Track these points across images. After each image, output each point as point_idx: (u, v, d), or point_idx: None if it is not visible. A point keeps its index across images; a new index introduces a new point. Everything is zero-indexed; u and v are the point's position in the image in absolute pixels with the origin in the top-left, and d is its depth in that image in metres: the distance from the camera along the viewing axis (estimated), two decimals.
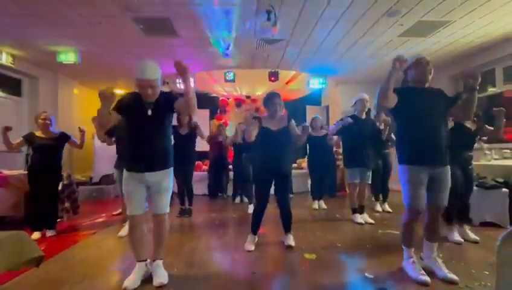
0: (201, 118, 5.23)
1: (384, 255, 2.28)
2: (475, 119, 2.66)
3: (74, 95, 6.10)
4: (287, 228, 2.55)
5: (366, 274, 1.93)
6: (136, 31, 3.67)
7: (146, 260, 1.91)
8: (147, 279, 1.86)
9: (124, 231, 2.84)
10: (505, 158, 3.71)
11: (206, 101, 6.73)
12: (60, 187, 3.58)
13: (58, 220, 3.32)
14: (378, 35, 3.93)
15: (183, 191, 3.86)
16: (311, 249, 2.45)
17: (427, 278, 1.77)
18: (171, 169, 1.93)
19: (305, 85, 5.84)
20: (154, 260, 1.90)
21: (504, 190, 3.04)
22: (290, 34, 3.90)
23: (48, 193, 3.03)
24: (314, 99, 7.17)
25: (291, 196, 5.02)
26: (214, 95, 6.94)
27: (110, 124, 1.91)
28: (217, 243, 2.77)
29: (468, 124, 2.65)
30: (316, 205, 4.20)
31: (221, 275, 2.01)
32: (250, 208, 3.92)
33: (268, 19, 3.19)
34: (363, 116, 3.34)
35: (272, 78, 5.33)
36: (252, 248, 2.45)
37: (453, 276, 1.79)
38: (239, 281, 1.91)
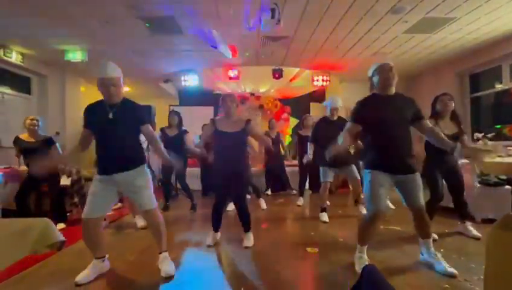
0: (206, 115, 5.28)
1: (387, 250, 2.32)
2: (455, 122, 2.58)
3: (81, 93, 6.22)
4: (246, 227, 2.55)
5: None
6: (142, 29, 3.73)
7: (104, 257, 1.95)
8: (155, 271, 1.94)
9: (141, 221, 3.00)
10: (509, 155, 3.69)
11: (210, 98, 6.79)
12: (69, 183, 3.69)
13: (68, 214, 3.44)
14: (383, 32, 3.93)
15: (168, 189, 3.99)
16: (313, 244, 2.50)
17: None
18: (143, 167, 1.94)
19: (309, 82, 5.85)
20: (160, 253, 1.97)
21: (507, 187, 3.04)
22: (294, 31, 3.92)
23: (50, 190, 3.18)
24: (318, 96, 7.16)
25: (294, 191, 5.10)
26: (218, 92, 6.99)
27: (90, 143, 1.97)
28: (222, 236, 2.84)
29: (446, 129, 2.49)
30: (300, 201, 4.25)
31: (225, 268, 2.08)
32: (262, 203, 4.00)
33: (273, 17, 3.22)
34: (335, 118, 3.31)
35: (276, 76, 5.36)
36: (212, 243, 2.49)
37: (452, 270, 1.83)
38: (242, 273, 1.98)
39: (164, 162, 2.10)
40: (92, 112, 1.90)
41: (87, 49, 4.41)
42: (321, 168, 3.33)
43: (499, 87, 4.65)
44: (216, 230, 2.57)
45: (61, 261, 2.14)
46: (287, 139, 6.25)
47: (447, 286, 1.72)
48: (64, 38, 4.02)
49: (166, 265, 1.92)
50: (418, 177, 1.90)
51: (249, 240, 2.52)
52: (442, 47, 4.51)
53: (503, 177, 3.13)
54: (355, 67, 5.44)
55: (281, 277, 1.94)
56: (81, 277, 1.80)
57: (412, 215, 1.98)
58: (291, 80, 6.10)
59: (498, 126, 4.56)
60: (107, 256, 1.98)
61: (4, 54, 4.20)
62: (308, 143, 3.61)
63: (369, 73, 1.99)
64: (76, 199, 3.91)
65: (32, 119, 3.12)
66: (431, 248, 1.98)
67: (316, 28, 3.81)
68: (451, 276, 1.80)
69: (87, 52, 4.47)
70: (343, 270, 2.00)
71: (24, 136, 3.14)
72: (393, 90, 1.92)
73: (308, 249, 2.38)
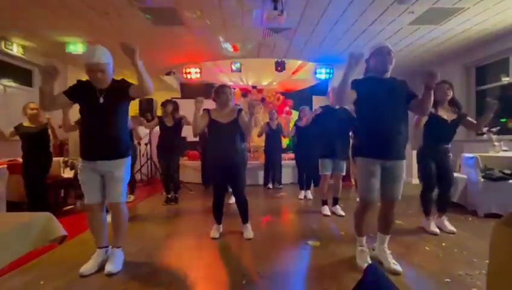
0: (207, 107, 5.27)
1: (387, 244, 2.31)
2: (454, 109, 2.56)
3: None
4: (244, 218, 2.56)
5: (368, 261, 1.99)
6: (143, 21, 3.68)
7: (107, 247, 1.96)
8: (158, 262, 1.96)
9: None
10: None
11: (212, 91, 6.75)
12: (72, 175, 3.73)
13: (71, 206, 3.47)
14: (388, 23, 3.84)
15: (167, 180, 3.93)
16: (314, 237, 2.52)
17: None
18: (126, 159, 1.92)
19: (312, 75, 5.78)
20: (112, 247, 1.96)
21: (511, 181, 3.02)
22: (297, 23, 3.84)
23: (38, 179, 3.18)
24: (320, 89, 7.10)
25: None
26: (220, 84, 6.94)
27: (56, 106, 1.85)
28: (224, 229, 2.87)
29: (445, 115, 2.53)
30: (302, 195, 4.24)
31: (229, 260, 2.10)
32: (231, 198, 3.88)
33: (275, 8, 3.15)
34: (337, 106, 3.20)
35: (279, 68, 5.30)
36: (217, 235, 2.52)
37: (396, 267, 1.83)
38: (244, 266, 2.00)
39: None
40: (83, 89, 1.83)
41: (88, 41, 4.38)
42: (320, 161, 3.26)
43: (505, 80, 4.56)
44: (219, 222, 2.59)
45: (65, 253, 2.17)
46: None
47: (448, 280, 1.73)
48: (64, 30, 3.99)
49: (112, 261, 1.88)
50: (403, 166, 1.87)
51: (248, 231, 2.54)
52: (448, 39, 4.41)
53: (507, 171, 3.11)
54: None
55: (282, 270, 1.95)
56: (86, 268, 1.83)
57: (380, 207, 1.94)
58: (293, 73, 6.04)
59: (503, 120, 4.49)
60: (110, 247, 2.01)
61: (5, 46, 4.18)
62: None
63: (366, 55, 1.91)
64: (80, 191, 3.96)
65: (32, 108, 3.15)
66: (384, 244, 1.96)
67: (320, 19, 3.73)
68: (396, 273, 1.79)
69: (88, 45, 4.44)
70: (344, 263, 2.01)
71: (26, 123, 3.19)
72: (388, 75, 1.87)
73: (310, 243, 2.39)
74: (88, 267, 1.84)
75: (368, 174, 1.83)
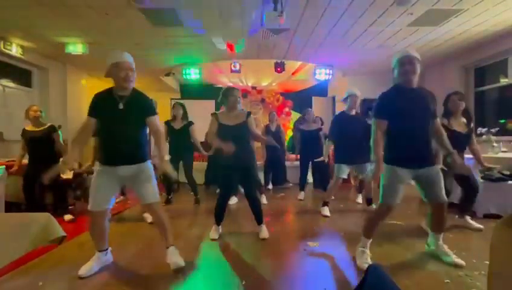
0: (207, 109, 5.26)
1: (388, 245, 2.32)
2: (465, 121, 2.61)
3: (82, 86, 6.20)
4: (259, 219, 2.56)
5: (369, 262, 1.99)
6: (142, 21, 3.68)
7: (106, 250, 1.95)
8: (158, 263, 1.96)
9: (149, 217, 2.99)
10: None
11: (212, 92, 6.75)
12: (70, 176, 3.71)
13: (71, 207, 3.46)
14: (387, 24, 3.85)
15: (170, 182, 3.91)
16: (313, 237, 2.51)
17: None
18: (147, 162, 1.93)
19: (312, 76, 5.79)
20: (167, 247, 1.96)
21: (510, 182, 3.02)
22: (297, 24, 3.85)
23: (49, 185, 3.13)
24: (320, 90, 7.10)
25: (290, 184, 5.11)
26: (219, 86, 6.94)
27: (90, 134, 1.89)
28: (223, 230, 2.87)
29: (457, 127, 2.56)
30: (301, 195, 4.23)
31: (228, 261, 2.09)
32: (263, 198, 3.97)
33: (275, 9, 3.15)
34: (353, 112, 3.27)
35: (278, 69, 5.30)
36: (216, 236, 2.52)
37: (459, 260, 1.89)
38: (245, 267, 1.99)
39: (160, 158, 1.97)
40: (101, 100, 1.85)
41: (88, 42, 4.37)
42: (336, 165, 3.29)
43: (504, 81, 4.58)
44: (218, 223, 2.59)
45: (64, 254, 2.16)
46: (288, 135, 6.21)
47: (447, 280, 1.73)
48: (64, 31, 3.98)
49: (175, 258, 1.91)
50: (438, 169, 1.90)
51: (264, 231, 2.55)
52: (447, 40, 4.42)
53: (506, 172, 3.11)
54: (359, 60, 5.36)
55: (282, 271, 1.95)
56: (84, 270, 1.82)
57: (431, 210, 1.99)
58: (293, 74, 6.04)
59: (502, 121, 4.51)
60: (109, 249, 2.00)
61: (4, 47, 4.17)
62: (326, 141, 3.57)
63: (392, 63, 1.95)
64: (78, 192, 3.94)
65: (35, 110, 3.16)
66: (440, 241, 2.01)
67: (320, 20, 3.74)
68: (459, 266, 1.86)
69: (88, 45, 4.43)
70: (344, 264, 2.00)
71: (29, 127, 3.19)
72: (414, 84, 1.87)
73: (309, 243, 2.39)
74: (87, 268, 1.83)
75: (396, 180, 1.86)
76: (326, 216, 3.24)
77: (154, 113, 1.90)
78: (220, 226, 2.61)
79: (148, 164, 1.95)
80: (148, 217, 3.05)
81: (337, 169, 3.27)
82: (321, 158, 3.68)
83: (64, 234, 1.24)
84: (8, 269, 1.82)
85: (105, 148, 1.87)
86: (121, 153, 1.83)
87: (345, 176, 3.33)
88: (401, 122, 1.83)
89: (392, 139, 1.90)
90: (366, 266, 1.86)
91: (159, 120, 1.97)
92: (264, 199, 4.00)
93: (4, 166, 3.18)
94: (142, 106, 1.87)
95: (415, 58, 1.85)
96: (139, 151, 1.90)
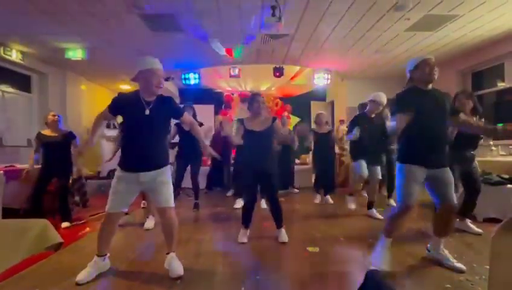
0: (206, 113, 5.28)
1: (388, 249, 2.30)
2: (478, 118, 2.63)
3: (82, 91, 6.20)
4: (279, 223, 2.59)
5: (368, 266, 1.97)
6: (142, 27, 3.70)
7: (105, 255, 1.93)
8: (156, 270, 1.93)
9: (149, 224, 3.00)
10: (511, 154, 3.67)
11: (211, 96, 6.77)
12: (69, 181, 3.69)
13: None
14: (385, 29, 3.90)
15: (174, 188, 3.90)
16: (314, 243, 2.50)
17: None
18: (167, 167, 1.94)
19: (310, 80, 5.82)
20: (167, 253, 1.95)
21: (509, 186, 3.02)
22: (295, 29, 3.89)
23: (59, 187, 3.20)
24: (319, 94, 7.14)
25: (296, 191, 5.11)
26: (218, 90, 6.97)
27: (102, 127, 1.99)
28: (223, 235, 2.84)
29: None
30: (318, 199, 4.24)
31: (228, 265, 2.07)
32: (238, 203, 3.98)
33: (273, 15, 3.18)
34: (372, 115, 3.34)
35: (277, 74, 5.32)
36: (245, 240, 2.53)
37: (460, 265, 1.88)
38: (245, 271, 1.97)
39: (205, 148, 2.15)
40: (126, 102, 1.84)
41: (87, 47, 4.40)
42: (356, 163, 3.39)
43: (501, 85, 4.62)
44: (247, 226, 2.60)
45: (61, 260, 2.13)
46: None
47: (448, 285, 1.71)
48: (64, 36, 4.00)
49: (175, 265, 1.89)
50: (450, 172, 1.91)
51: (283, 235, 2.56)
52: (444, 45, 4.47)
53: (505, 176, 3.12)
54: (357, 65, 5.40)
55: (281, 276, 1.94)
56: (82, 276, 1.80)
57: (438, 213, 1.99)
58: (291, 78, 6.07)
59: (500, 124, 4.52)
60: (108, 255, 1.98)
61: (4, 52, 4.19)
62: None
63: (410, 66, 1.97)
64: (77, 198, 3.92)
65: (53, 115, 3.23)
66: (441, 245, 2.01)
67: (318, 25, 3.78)
68: (460, 271, 1.85)
69: (87, 51, 4.45)
70: (344, 268, 1.99)
71: (46, 131, 3.22)
72: (431, 86, 1.93)
73: (309, 248, 2.37)
74: (84, 275, 1.81)
75: (413, 179, 1.87)
76: (376, 218, 3.26)
77: (182, 112, 1.96)
78: (248, 230, 2.61)
79: (168, 169, 1.94)
80: (148, 223, 3.02)
81: (359, 166, 3.33)
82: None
83: (61, 240, 1.22)
84: (5, 276, 1.79)
85: (128, 154, 1.87)
86: (145, 159, 1.83)
87: (367, 173, 3.33)
88: (421, 121, 1.85)
89: (411, 138, 1.91)
90: (384, 267, 1.86)
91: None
92: (263, 204, 3.98)
93: (2, 171, 3.17)
94: (169, 111, 1.90)
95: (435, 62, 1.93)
96: (162, 157, 1.91)
